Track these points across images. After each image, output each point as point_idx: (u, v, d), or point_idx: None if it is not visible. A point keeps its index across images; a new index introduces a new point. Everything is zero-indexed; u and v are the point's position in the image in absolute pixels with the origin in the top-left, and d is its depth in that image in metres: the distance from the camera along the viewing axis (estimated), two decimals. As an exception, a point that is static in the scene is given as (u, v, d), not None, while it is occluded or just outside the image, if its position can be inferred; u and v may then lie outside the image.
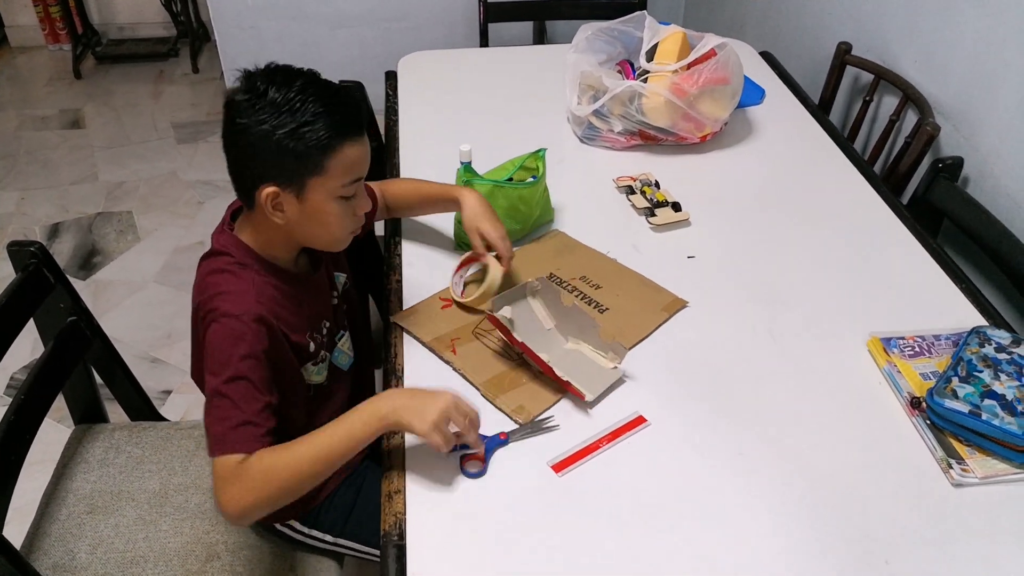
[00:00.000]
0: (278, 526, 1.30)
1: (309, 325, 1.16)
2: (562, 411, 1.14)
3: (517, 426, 1.12)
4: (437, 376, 1.20)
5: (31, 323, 1.33)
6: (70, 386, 1.45)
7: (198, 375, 1.15)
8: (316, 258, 1.23)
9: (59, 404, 1.39)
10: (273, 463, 1.00)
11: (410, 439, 1.10)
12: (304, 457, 1.00)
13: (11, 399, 1.25)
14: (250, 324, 1.04)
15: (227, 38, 3.16)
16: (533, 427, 1.11)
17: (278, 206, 1.06)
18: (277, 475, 1.00)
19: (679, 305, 1.33)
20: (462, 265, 1.37)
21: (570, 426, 1.12)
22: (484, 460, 1.06)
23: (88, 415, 1.51)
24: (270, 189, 1.04)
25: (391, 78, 2.06)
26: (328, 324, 1.22)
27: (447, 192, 1.38)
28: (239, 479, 0.99)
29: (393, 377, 1.20)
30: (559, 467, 1.06)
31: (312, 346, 1.17)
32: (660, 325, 1.29)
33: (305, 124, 1.00)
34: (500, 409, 1.14)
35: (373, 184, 1.42)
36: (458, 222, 1.45)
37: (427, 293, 1.35)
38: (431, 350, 1.24)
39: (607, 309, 1.32)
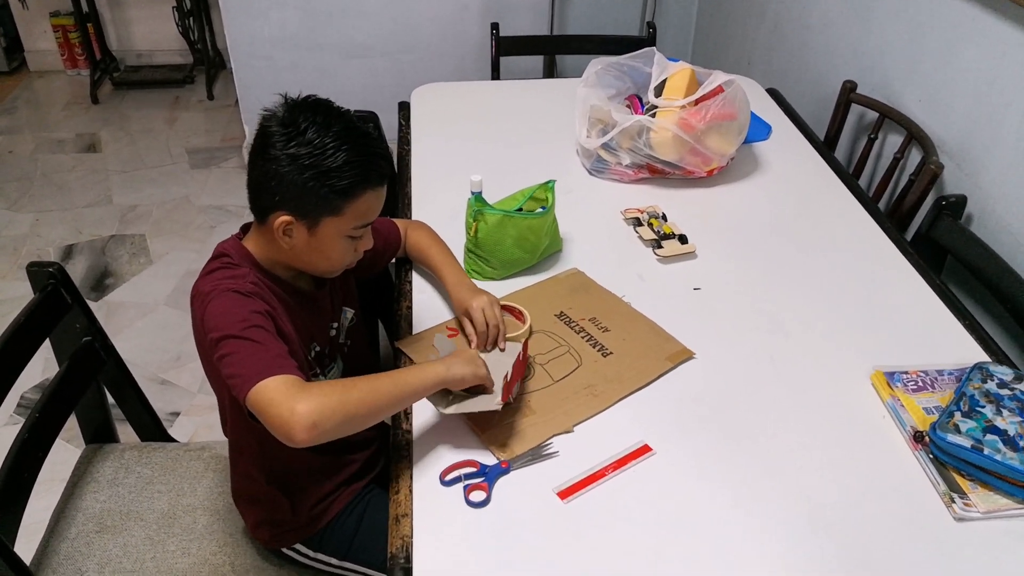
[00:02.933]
0: (284, 550, 1.31)
1: (299, 338, 1.17)
2: (565, 439, 1.16)
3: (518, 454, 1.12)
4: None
5: (44, 343, 1.35)
6: (82, 405, 1.47)
7: (214, 382, 1.17)
8: (320, 280, 1.25)
9: (70, 423, 1.41)
10: (349, 382, 1.02)
11: (418, 465, 1.11)
12: (381, 380, 1.04)
13: (22, 417, 1.27)
14: (248, 295, 1.06)
15: (243, 66, 3.22)
16: (533, 454, 1.12)
17: (288, 232, 1.10)
18: (355, 388, 1.01)
19: (685, 356, 1.31)
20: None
21: (574, 453, 1.13)
22: (487, 490, 1.07)
23: (99, 435, 1.53)
24: (285, 218, 1.08)
25: (404, 108, 2.10)
26: (318, 348, 1.24)
27: (441, 269, 1.39)
28: (313, 389, 0.97)
29: (402, 402, 1.21)
30: (565, 494, 1.07)
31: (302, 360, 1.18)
32: (662, 375, 1.27)
33: (334, 171, 1.04)
34: (484, 444, 1.14)
35: (400, 222, 1.46)
36: (468, 249, 1.48)
37: (437, 320, 1.37)
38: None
39: (611, 353, 1.31)
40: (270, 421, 0.97)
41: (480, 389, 1.15)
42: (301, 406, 0.95)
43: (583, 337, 1.35)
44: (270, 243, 1.14)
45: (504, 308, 1.37)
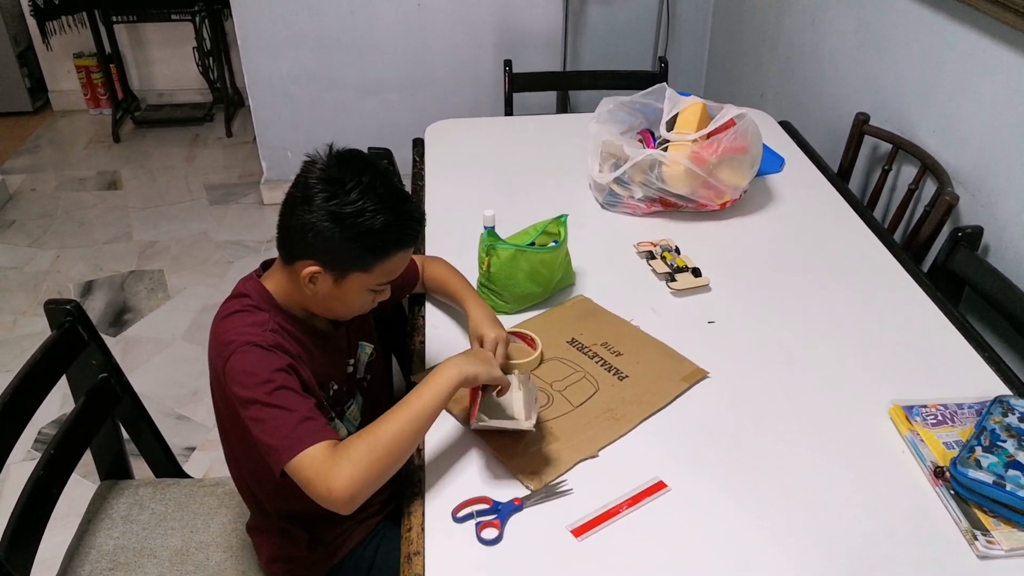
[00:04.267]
0: (297, 586, 1.31)
1: (320, 379, 1.19)
2: (579, 476, 1.15)
3: (530, 492, 1.12)
4: (455, 432, 1.21)
5: (61, 378, 1.36)
6: (98, 442, 1.48)
7: (223, 423, 1.17)
8: (336, 322, 1.26)
9: (85, 459, 1.41)
10: (372, 437, 1.04)
11: (430, 501, 1.11)
12: (400, 422, 1.06)
13: (39, 453, 1.28)
14: (269, 348, 1.07)
15: (261, 104, 3.27)
16: (547, 491, 1.11)
17: (314, 281, 1.11)
18: (380, 444, 1.03)
19: (699, 375, 1.33)
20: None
21: (588, 491, 1.12)
22: (500, 527, 1.06)
23: (114, 471, 1.53)
24: (314, 268, 1.09)
25: (418, 144, 2.13)
26: (336, 387, 1.24)
27: (461, 296, 1.40)
28: (342, 459, 1.01)
29: (415, 438, 1.21)
30: (579, 531, 1.06)
31: (323, 400, 1.19)
32: (679, 395, 1.29)
33: (370, 233, 1.07)
34: (512, 473, 1.14)
35: (417, 257, 1.47)
36: (481, 283, 1.48)
37: (451, 353, 1.37)
38: (447, 411, 1.25)
39: (627, 376, 1.32)
40: (310, 495, 1.03)
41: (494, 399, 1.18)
42: (336, 484, 1.00)
43: (597, 362, 1.35)
44: (292, 284, 1.15)
45: (515, 335, 1.39)
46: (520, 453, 1.17)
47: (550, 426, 1.22)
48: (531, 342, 1.37)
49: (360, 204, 1.06)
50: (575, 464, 1.16)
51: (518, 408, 1.23)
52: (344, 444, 1.04)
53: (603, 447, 1.19)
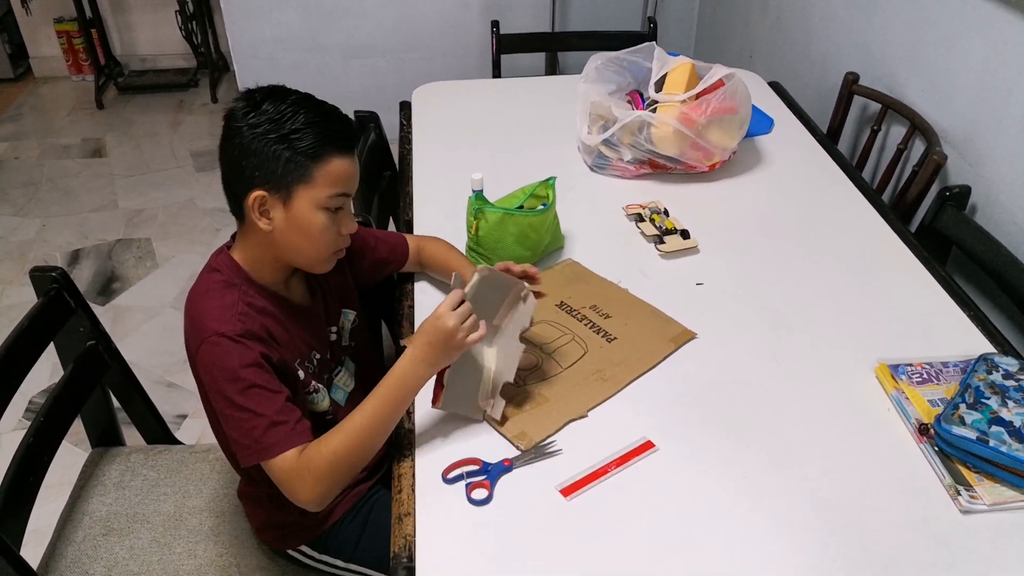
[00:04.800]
0: (289, 551, 1.32)
1: (298, 352, 1.18)
2: (568, 436, 1.16)
3: (519, 452, 1.13)
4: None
5: (51, 348, 1.35)
6: (88, 409, 1.48)
7: (203, 399, 1.18)
8: (312, 288, 1.25)
9: (76, 427, 1.42)
10: (334, 448, 1.06)
11: (420, 463, 1.11)
12: (361, 430, 1.07)
13: (29, 423, 1.28)
14: (237, 338, 1.07)
15: (245, 68, 3.23)
16: (536, 452, 1.12)
17: (265, 212, 1.10)
18: (343, 456, 1.06)
19: (687, 337, 1.34)
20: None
21: (577, 451, 1.13)
22: (490, 487, 1.07)
23: (105, 438, 1.54)
24: (258, 193, 1.08)
25: (405, 108, 2.10)
26: (319, 356, 1.23)
27: (461, 265, 1.39)
28: (306, 472, 1.05)
29: (404, 401, 1.22)
30: (568, 491, 1.07)
31: (302, 374, 1.18)
32: (667, 356, 1.30)
33: (295, 131, 1.06)
34: (502, 434, 1.15)
35: (412, 237, 1.46)
36: (469, 247, 1.48)
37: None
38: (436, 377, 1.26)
39: (615, 338, 1.33)
40: (285, 491, 1.08)
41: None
42: (301, 495, 1.06)
43: (586, 324, 1.36)
44: (253, 241, 1.14)
45: None
46: (510, 415, 1.18)
47: (539, 388, 1.23)
48: None
49: (273, 110, 1.06)
50: (564, 424, 1.17)
51: (489, 366, 1.19)
52: (308, 455, 1.06)
53: (592, 408, 1.20)
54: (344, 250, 1.19)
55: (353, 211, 1.19)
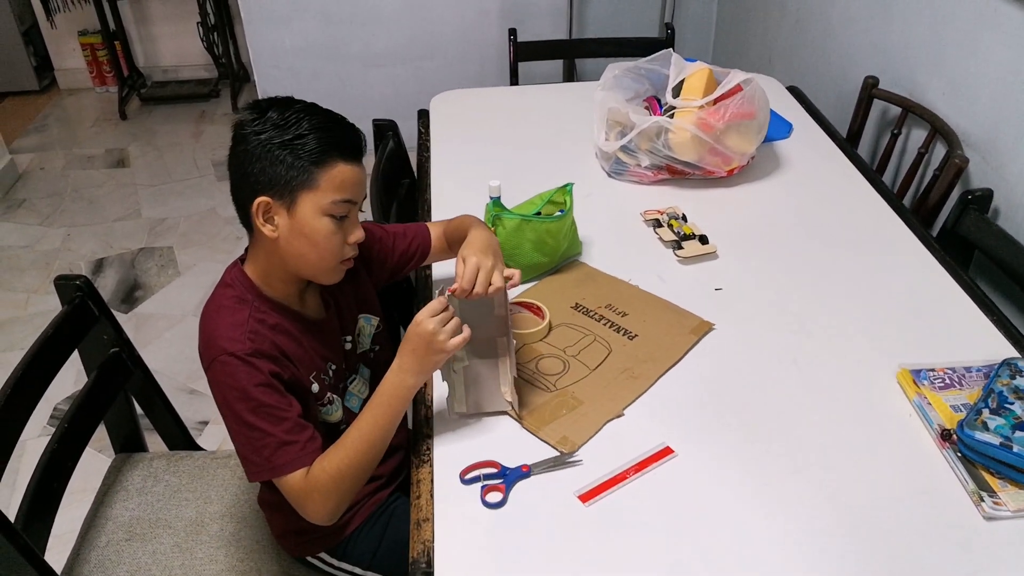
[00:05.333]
0: (309, 558, 1.32)
1: (313, 367, 1.18)
2: (586, 442, 1.15)
3: (559, 454, 1.13)
4: (466, 406, 1.22)
5: (75, 355, 1.37)
6: (111, 416, 1.50)
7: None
8: (326, 301, 1.24)
9: (100, 434, 1.43)
10: (336, 464, 1.08)
11: (439, 467, 1.12)
12: (360, 444, 1.09)
13: (54, 429, 1.30)
14: (247, 358, 1.07)
15: (266, 78, 3.26)
16: (556, 461, 1.12)
17: (269, 219, 1.09)
18: (346, 471, 1.09)
19: (706, 328, 1.35)
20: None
21: (595, 456, 1.13)
22: (504, 491, 1.07)
23: (128, 444, 1.56)
24: (262, 199, 1.08)
25: (423, 116, 2.12)
26: (334, 367, 1.23)
27: (470, 227, 1.30)
28: (314, 491, 1.08)
29: (423, 406, 1.22)
30: (586, 497, 1.07)
31: (316, 387, 1.18)
32: (691, 348, 1.31)
33: (299, 136, 1.06)
34: (544, 441, 1.15)
35: (436, 224, 1.42)
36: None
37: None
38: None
39: (636, 336, 1.33)
40: (297, 508, 1.11)
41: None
42: (310, 513, 1.10)
43: (605, 324, 1.36)
44: (263, 253, 1.14)
45: (522, 304, 1.38)
46: (548, 420, 1.18)
47: (572, 390, 1.23)
48: (538, 311, 1.37)
49: (278, 117, 1.07)
50: (604, 424, 1.17)
51: (500, 358, 1.19)
52: (314, 475, 1.09)
53: (627, 405, 1.21)
54: (352, 260, 1.17)
55: (361, 220, 1.18)
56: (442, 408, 1.21)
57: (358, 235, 1.15)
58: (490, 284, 1.15)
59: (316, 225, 1.09)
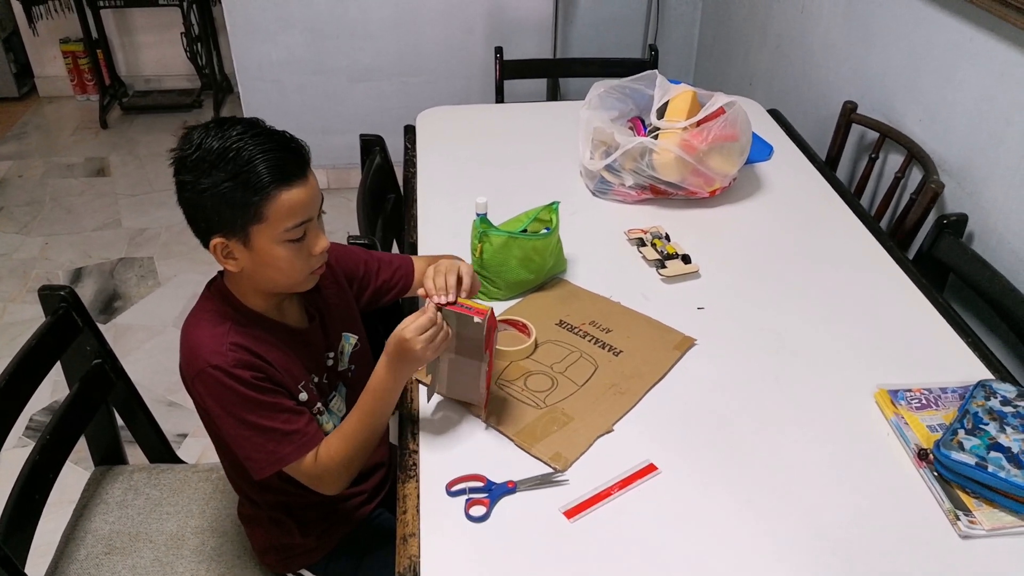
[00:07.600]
0: (290, 575, 1.32)
1: (298, 375, 1.18)
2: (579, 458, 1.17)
3: (552, 471, 1.14)
4: (461, 423, 1.23)
5: (54, 366, 1.36)
6: (92, 428, 1.48)
7: (204, 422, 1.19)
8: (311, 313, 1.23)
9: (79, 445, 1.42)
10: (342, 448, 1.14)
11: (424, 483, 1.12)
12: (357, 431, 1.15)
13: (31, 440, 1.29)
14: (231, 370, 1.08)
15: (250, 90, 3.26)
16: (542, 479, 1.13)
17: (229, 255, 1.09)
18: (350, 453, 1.14)
19: (688, 343, 1.37)
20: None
21: (580, 473, 1.14)
22: (488, 505, 1.08)
23: (108, 457, 1.54)
24: (217, 240, 1.07)
25: (409, 132, 2.13)
26: (317, 380, 1.23)
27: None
28: (324, 471, 1.14)
29: (410, 423, 1.23)
30: (571, 513, 1.08)
31: (304, 395, 1.18)
32: (675, 364, 1.33)
33: (240, 173, 1.02)
34: (537, 458, 1.16)
35: (421, 258, 1.42)
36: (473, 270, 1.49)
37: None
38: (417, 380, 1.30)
39: (621, 352, 1.35)
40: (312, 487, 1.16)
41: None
42: (324, 489, 1.16)
43: (589, 341, 1.38)
44: (236, 276, 1.13)
45: (508, 322, 1.39)
46: (540, 438, 1.19)
47: (561, 407, 1.24)
48: (524, 328, 1.39)
49: (219, 146, 1.02)
50: (594, 440, 1.19)
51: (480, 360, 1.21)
52: (321, 460, 1.13)
53: (616, 420, 1.22)
54: (325, 265, 1.16)
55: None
56: (428, 421, 1.22)
57: (322, 244, 1.12)
58: (459, 279, 1.19)
59: (275, 253, 1.08)
